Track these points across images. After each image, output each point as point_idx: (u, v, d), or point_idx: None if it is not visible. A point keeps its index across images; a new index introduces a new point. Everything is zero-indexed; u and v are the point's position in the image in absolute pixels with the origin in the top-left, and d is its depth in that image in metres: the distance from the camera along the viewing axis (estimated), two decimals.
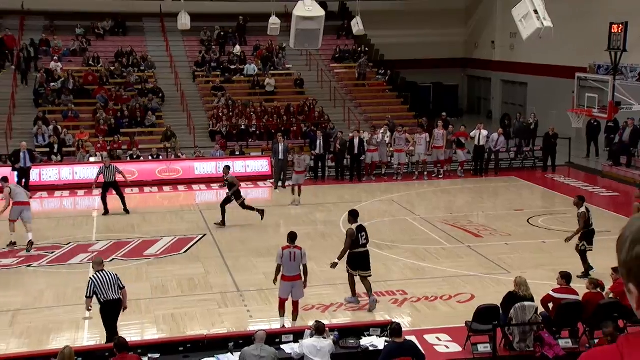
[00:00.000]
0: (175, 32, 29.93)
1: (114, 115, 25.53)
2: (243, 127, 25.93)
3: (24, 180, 19.77)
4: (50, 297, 12.32)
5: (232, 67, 29.74)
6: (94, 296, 9.88)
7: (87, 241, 15.91)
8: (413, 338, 9.52)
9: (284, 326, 10.83)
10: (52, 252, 14.96)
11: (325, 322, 9.54)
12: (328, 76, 30.03)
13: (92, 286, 9.86)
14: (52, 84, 26.42)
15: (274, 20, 24.93)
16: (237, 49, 30.53)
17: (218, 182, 22.25)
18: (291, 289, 10.74)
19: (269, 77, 28.81)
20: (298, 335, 9.12)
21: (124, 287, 10.12)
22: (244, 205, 17.28)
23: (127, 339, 8.53)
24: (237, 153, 23.92)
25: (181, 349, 8.92)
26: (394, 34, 32.99)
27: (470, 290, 12.65)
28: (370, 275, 11.78)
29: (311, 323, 9.62)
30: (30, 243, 14.90)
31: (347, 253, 11.58)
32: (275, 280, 10.91)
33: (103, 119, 25.04)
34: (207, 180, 22.25)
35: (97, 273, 10.05)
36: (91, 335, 10.62)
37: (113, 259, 14.55)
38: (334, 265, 11.84)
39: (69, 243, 15.63)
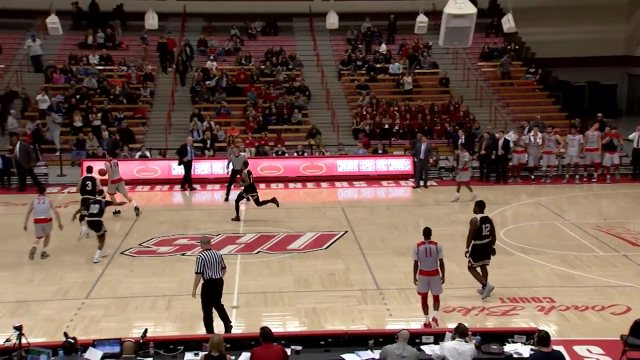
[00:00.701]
0: (323, 31, 30.54)
1: (262, 113, 26.49)
2: (386, 126, 25.95)
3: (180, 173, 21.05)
4: (201, 284, 12.95)
5: (378, 65, 29.85)
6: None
7: (235, 233, 16.58)
8: (561, 348, 9.06)
9: (427, 324, 10.75)
10: None
11: (467, 325, 9.31)
12: (474, 75, 29.35)
13: (202, 263, 10.31)
14: (207, 82, 27.86)
15: (422, 19, 24.72)
16: (383, 47, 30.62)
17: (360, 180, 22.51)
18: (429, 284, 10.79)
19: (408, 75, 28.62)
20: (439, 337, 8.97)
21: (225, 267, 10.56)
22: (258, 202, 17.54)
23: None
24: (380, 151, 23.98)
25: (322, 342, 9.04)
26: (546, 31, 31.63)
27: (625, 302, 11.87)
28: (488, 264, 12.05)
29: (451, 325, 9.43)
30: (136, 208, 17.95)
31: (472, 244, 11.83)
32: (415, 280, 10.92)
33: (252, 116, 26.07)
34: (350, 178, 22.52)
35: (205, 251, 10.46)
36: (238, 324, 11.05)
37: (258, 252, 15.09)
38: (467, 253, 11.95)
39: (219, 234, 16.38)
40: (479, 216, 11.86)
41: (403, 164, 23.06)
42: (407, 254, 13.51)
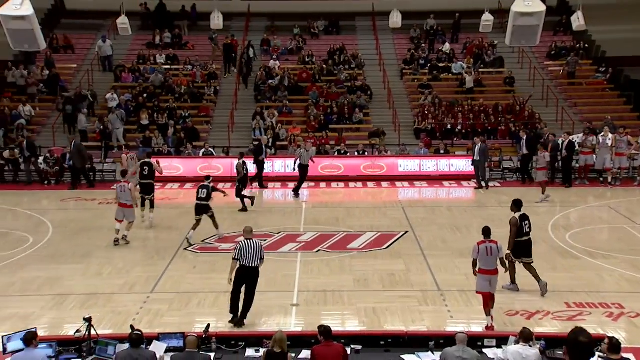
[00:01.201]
0: (386, 30, 30.40)
1: (323, 112, 26.58)
2: (449, 126, 25.65)
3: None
4: (261, 282, 12.95)
5: (441, 64, 29.53)
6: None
7: (296, 231, 16.69)
8: (631, 356, 8.77)
9: (489, 326, 10.59)
10: (265, 240, 15.88)
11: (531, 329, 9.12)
12: (541, 74, 28.68)
13: (239, 250, 10.66)
14: (269, 81, 28.14)
15: (487, 17, 24.27)
16: (447, 46, 30.27)
17: (421, 180, 22.33)
18: (489, 283, 10.77)
19: (469, 74, 28.21)
20: (501, 340, 8.82)
21: (263, 258, 10.86)
22: (239, 192, 18.21)
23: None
24: (442, 151, 23.73)
25: (382, 343, 9.04)
26: (618, 29, 30.55)
27: None
28: (532, 262, 12.05)
29: (513, 329, 9.25)
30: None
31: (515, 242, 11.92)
32: (474, 274, 10.99)
33: (314, 115, 26.19)
34: (411, 178, 22.37)
35: (245, 240, 10.79)
36: (298, 322, 11.12)
37: (318, 250, 15.15)
38: (508, 256, 11.75)
39: (280, 232, 16.52)
40: (517, 215, 12.02)
41: (465, 165, 22.76)
42: (469, 255, 13.28)
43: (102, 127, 24.80)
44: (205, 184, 15.89)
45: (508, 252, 11.80)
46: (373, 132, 25.15)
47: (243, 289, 10.83)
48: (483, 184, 21.19)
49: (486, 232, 11.04)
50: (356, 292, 12.54)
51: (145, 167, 17.30)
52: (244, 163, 18.72)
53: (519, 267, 12.22)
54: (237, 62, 29.27)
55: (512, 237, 11.93)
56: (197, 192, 15.75)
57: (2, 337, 8.76)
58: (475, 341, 8.61)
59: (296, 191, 20.57)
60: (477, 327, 10.69)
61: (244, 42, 30.28)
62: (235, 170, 18.64)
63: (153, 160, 17.72)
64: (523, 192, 20.61)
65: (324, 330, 8.25)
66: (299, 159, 20.52)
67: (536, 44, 10.26)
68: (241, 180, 18.54)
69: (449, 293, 12.38)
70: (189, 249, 15.21)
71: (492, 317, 10.75)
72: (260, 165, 21.43)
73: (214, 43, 30.11)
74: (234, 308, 10.84)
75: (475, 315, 11.09)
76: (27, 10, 6.45)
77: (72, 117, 25.55)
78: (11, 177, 22.41)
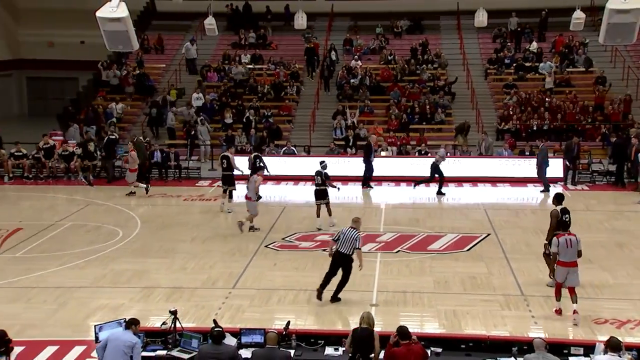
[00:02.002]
0: (471, 29, 29.89)
1: (405, 111, 26.38)
2: (535, 127, 24.95)
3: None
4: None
5: (527, 64, 28.76)
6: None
7: (375, 231, 16.64)
8: None
9: (558, 310, 10.82)
10: None
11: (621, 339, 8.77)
12: (636, 74, 27.45)
13: (338, 233, 11.74)
14: (351, 81, 28.18)
15: (578, 15, 23.39)
16: (534, 45, 29.45)
17: (504, 182, 21.81)
18: (566, 274, 10.99)
19: (549, 74, 27.33)
20: (588, 349, 8.51)
21: (359, 249, 11.55)
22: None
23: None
24: (527, 153, 23.10)
25: (463, 346, 8.89)
26: None
27: None
28: None
29: (602, 337, 8.92)
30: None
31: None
32: (552, 271, 11.42)
33: (395, 115, 26.04)
34: (494, 179, 21.90)
35: (348, 228, 11.70)
36: (376, 322, 11.01)
37: (398, 251, 15.06)
38: (546, 246, 12.15)
39: (359, 232, 16.48)
40: (559, 208, 12.39)
41: (552, 167, 22.04)
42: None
43: (188, 126, 25.49)
44: (319, 169, 16.83)
45: (546, 242, 12.20)
46: (459, 126, 24.75)
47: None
48: (570, 185, 20.67)
49: (564, 226, 11.52)
50: (436, 294, 12.40)
51: (223, 160, 18.60)
52: (257, 156, 19.52)
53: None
54: (319, 66, 29.39)
55: (551, 229, 12.18)
56: (315, 179, 16.90)
57: (95, 326, 9.15)
58: (560, 349, 8.34)
59: (439, 192, 20.49)
60: (564, 335, 10.38)
61: (326, 43, 30.44)
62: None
63: (230, 154, 18.74)
64: (615, 196, 19.88)
65: (402, 331, 8.22)
66: (439, 161, 20.49)
67: (632, 42, 9.83)
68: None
69: (532, 298, 12.07)
70: (270, 246, 15.43)
71: (576, 312, 10.80)
72: (369, 165, 21.41)
73: (307, 42, 30.27)
74: (322, 286, 11.88)
75: (560, 323, 10.77)
76: (123, 12, 6.73)
77: (157, 120, 26.32)
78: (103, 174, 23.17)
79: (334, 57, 29.27)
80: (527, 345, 8.56)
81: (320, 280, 11.94)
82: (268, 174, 19.80)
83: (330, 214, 16.93)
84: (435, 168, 20.55)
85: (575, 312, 10.83)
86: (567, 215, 12.36)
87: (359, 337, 8.52)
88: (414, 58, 29.60)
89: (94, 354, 9.04)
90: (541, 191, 20.66)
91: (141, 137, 23.00)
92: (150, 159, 22.87)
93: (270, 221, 17.30)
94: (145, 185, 20.32)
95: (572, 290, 11.02)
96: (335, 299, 11.85)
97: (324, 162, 17.20)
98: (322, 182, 16.79)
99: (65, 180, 22.26)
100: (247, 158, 20.15)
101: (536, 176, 21.02)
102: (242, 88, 28.51)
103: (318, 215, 16.84)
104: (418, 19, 32.40)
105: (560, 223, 12.05)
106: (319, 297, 11.86)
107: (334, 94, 28.18)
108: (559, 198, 12.79)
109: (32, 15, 34.95)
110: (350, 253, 11.56)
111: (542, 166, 20.68)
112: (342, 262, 11.66)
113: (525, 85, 27.77)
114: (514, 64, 28.80)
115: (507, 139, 24.28)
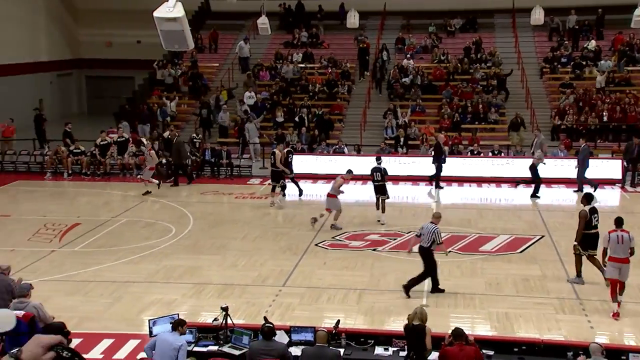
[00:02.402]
0: (526, 27, 29.36)
1: (457, 111, 26.08)
2: (592, 127, 24.33)
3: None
4: (391, 281, 13.09)
5: (585, 63, 28.07)
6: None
7: None
8: None
9: (615, 313, 10.86)
10: (394, 239, 15.90)
11: None
12: None
13: (421, 229, 12.30)
14: (403, 80, 28.00)
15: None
16: (592, 43, 28.71)
17: (559, 183, 21.32)
18: (619, 271, 11.03)
19: (601, 73, 26.58)
20: None
21: (440, 243, 12.11)
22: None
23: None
24: None
25: (516, 349, 8.74)
26: None
27: None
28: (596, 255, 12.22)
29: None
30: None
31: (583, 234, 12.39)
32: (603, 264, 11.35)
33: (447, 114, 25.77)
34: (548, 180, 21.36)
35: (429, 223, 12.26)
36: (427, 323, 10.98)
37: (449, 251, 14.88)
38: (575, 247, 12.43)
39: (410, 232, 16.39)
40: (587, 208, 12.49)
41: (609, 167, 21.49)
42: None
43: (240, 125, 25.74)
44: (376, 165, 17.41)
45: (575, 243, 12.41)
46: (513, 122, 24.26)
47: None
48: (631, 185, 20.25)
49: (619, 222, 11.37)
50: (488, 296, 12.25)
51: (272, 156, 19.39)
52: (291, 151, 20.03)
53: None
54: (370, 67, 29.19)
55: (580, 229, 12.37)
56: (372, 175, 17.27)
57: (149, 320, 9.34)
58: (618, 355, 8.12)
59: (534, 194, 20.07)
60: (623, 340, 10.12)
61: (378, 42, 30.32)
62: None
63: (277, 151, 19.30)
64: None
65: (455, 332, 8.14)
66: (537, 162, 20.18)
67: None
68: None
69: (589, 302, 11.80)
70: (320, 244, 15.46)
71: (618, 304, 10.95)
72: (440, 164, 21.13)
73: (360, 42, 30.11)
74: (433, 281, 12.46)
75: (619, 327, 10.50)
76: (179, 12, 6.84)
77: (207, 121, 26.52)
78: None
79: (385, 58, 29.10)
80: (582, 350, 8.36)
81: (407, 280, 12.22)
82: (291, 175, 20.01)
83: (383, 211, 17.12)
84: (534, 169, 20.02)
85: (619, 303, 11.07)
86: (595, 215, 12.45)
87: (412, 331, 8.49)
88: (467, 57, 29.23)
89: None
90: (574, 191, 20.16)
91: (180, 139, 22.77)
92: (202, 157, 23.20)
93: (320, 220, 17.32)
94: (157, 182, 20.61)
95: (621, 285, 11.12)
96: (435, 289, 12.30)
97: (380, 157, 17.87)
98: (382, 177, 17.20)
99: (120, 177, 22.78)
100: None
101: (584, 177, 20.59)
102: (294, 87, 28.66)
103: (377, 208, 17.36)
104: (472, 18, 31.98)
105: (587, 223, 12.26)
106: (406, 291, 12.15)
107: (385, 94, 28.05)
108: (588, 198, 12.93)
109: (91, 16, 35.90)
110: (429, 245, 12.03)
111: (581, 166, 20.17)
112: (423, 255, 12.17)
113: (582, 84, 27.10)
114: (571, 63, 28.15)
115: (562, 140, 23.77)
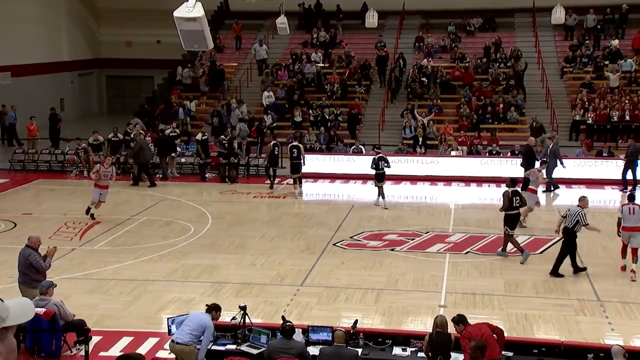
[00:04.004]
0: (547, 26, 29.12)
1: (476, 111, 25.93)
2: (615, 118, 23.94)
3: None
4: (409, 281, 13.06)
5: (606, 62, 27.76)
6: None
7: (444, 232, 16.45)
8: None
9: (622, 267, 13.10)
10: (413, 239, 15.84)
11: None
12: None
13: (567, 211, 13.31)
14: (421, 79, 27.88)
15: None
16: (615, 42, 28.38)
17: (579, 184, 21.12)
18: (629, 236, 12.86)
19: (613, 72, 26.27)
20: None
21: (587, 224, 13.08)
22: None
23: None
24: (605, 154, 22.32)
25: (535, 351, 8.66)
26: None
27: None
28: (513, 234, 14.26)
29: None
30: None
31: (505, 214, 14.16)
32: (618, 232, 13.17)
33: (466, 114, 25.62)
34: (568, 181, 21.19)
35: (576, 207, 13.17)
36: None
37: (467, 252, 14.83)
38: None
39: (428, 232, 16.36)
40: (510, 189, 14.27)
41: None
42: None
43: (257, 124, 25.79)
44: (381, 155, 18.71)
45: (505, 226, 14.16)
46: (532, 127, 23.71)
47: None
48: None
49: (631, 197, 13.66)
50: (507, 297, 12.17)
51: (294, 150, 20.39)
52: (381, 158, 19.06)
53: None
54: (387, 76, 28.71)
55: (502, 208, 14.19)
56: (378, 164, 18.41)
57: (167, 319, 9.38)
58: (638, 357, 8.02)
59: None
60: None
61: (396, 42, 30.20)
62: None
63: (301, 145, 20.70)
64: None
65: (458, 318, 8.52)
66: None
67: None
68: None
69: (609, 304, 11.68)
70: (338, 244, 15.44)
71: (634, 272, 12.56)
72: (550, 168, 20.43)
73: (379, 50, 29.75)
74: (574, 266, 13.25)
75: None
76: (199, 12, 6.86)
77: (218, 130, 26.10)
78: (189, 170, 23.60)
79: (401, 65, 28.74)
80: (603, 352, 8.29)
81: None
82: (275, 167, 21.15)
83: (383, 197, 18.54)
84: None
85: (632, 271, 12.72)
86: (517, 197, 14.25)
87: (438, 342, 8.41)
88: (486, 56, 29.05)
89: (167, 345, 9.28)
90: (621, 190, 19.99)
91: (143, 137, 22.31)
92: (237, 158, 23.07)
93: (339, 220, 17.33)
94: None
95: (634, 251, 12.79)
96: (555, 273, 12.94)
97: (380, 147, 19.97)
98: (387, 165, 18.58)
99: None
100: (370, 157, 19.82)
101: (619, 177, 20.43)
102: (312, 86, 28.65)
103: (379, 195, 18.65)
104: (491, 17, 31.78)
105: (509, 204, 14.13)
106: (553, 273, 13.01)
107: (404, 93, 27.93)
108: (512, 181, 14.72)
109: (111, 15, 36.20)
110: (572, 227, 12.74)
111: (628, 165, 20.03)
112: (565, 236, 12.88)
113: (605, 84, 26.78)
114: (592, 62, 27.87)
115: (583, 140, 23.52)
